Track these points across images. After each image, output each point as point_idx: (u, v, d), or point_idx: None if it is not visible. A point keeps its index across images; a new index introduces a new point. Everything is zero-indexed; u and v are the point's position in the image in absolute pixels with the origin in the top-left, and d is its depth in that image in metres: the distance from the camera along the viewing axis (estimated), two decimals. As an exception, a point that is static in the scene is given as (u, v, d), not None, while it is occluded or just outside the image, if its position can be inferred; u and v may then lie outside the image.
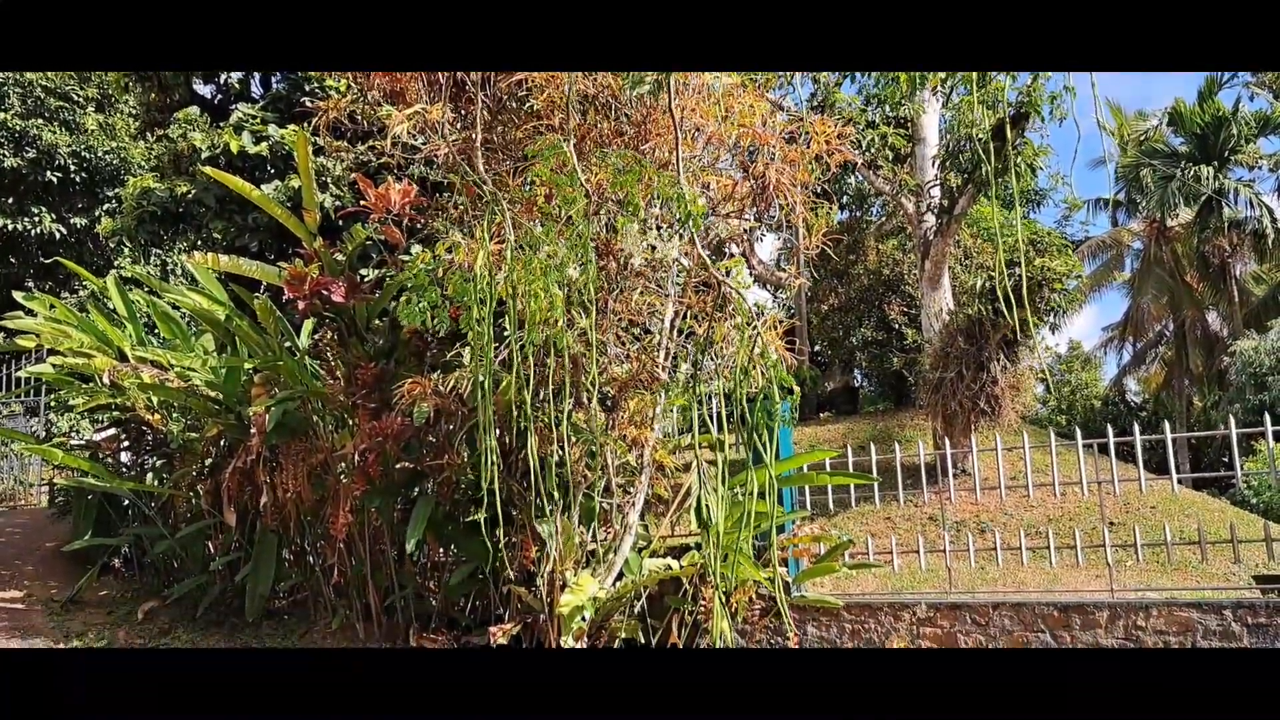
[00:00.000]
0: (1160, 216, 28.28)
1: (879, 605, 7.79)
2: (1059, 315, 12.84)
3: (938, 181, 12.95)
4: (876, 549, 9.27)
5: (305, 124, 7.96)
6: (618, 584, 7.41)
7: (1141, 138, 29.20)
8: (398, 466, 8.14)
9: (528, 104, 6.75)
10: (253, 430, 8.03)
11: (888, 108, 13.54)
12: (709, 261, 4.34)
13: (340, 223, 9.03)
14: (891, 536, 9.67)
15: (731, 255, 7.62)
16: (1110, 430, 7.86)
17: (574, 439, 6.97)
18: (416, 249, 7.32)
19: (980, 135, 10.47)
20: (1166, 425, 7.85)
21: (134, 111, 17.48)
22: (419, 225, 8.09)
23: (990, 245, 15.62)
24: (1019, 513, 11.12)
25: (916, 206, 13.59)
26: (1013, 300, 10.46)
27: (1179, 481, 11.79)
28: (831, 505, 9.04)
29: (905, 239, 17.83)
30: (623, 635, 7.68)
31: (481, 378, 4.21)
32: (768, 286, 18.67)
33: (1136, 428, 7.84)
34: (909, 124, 13.98)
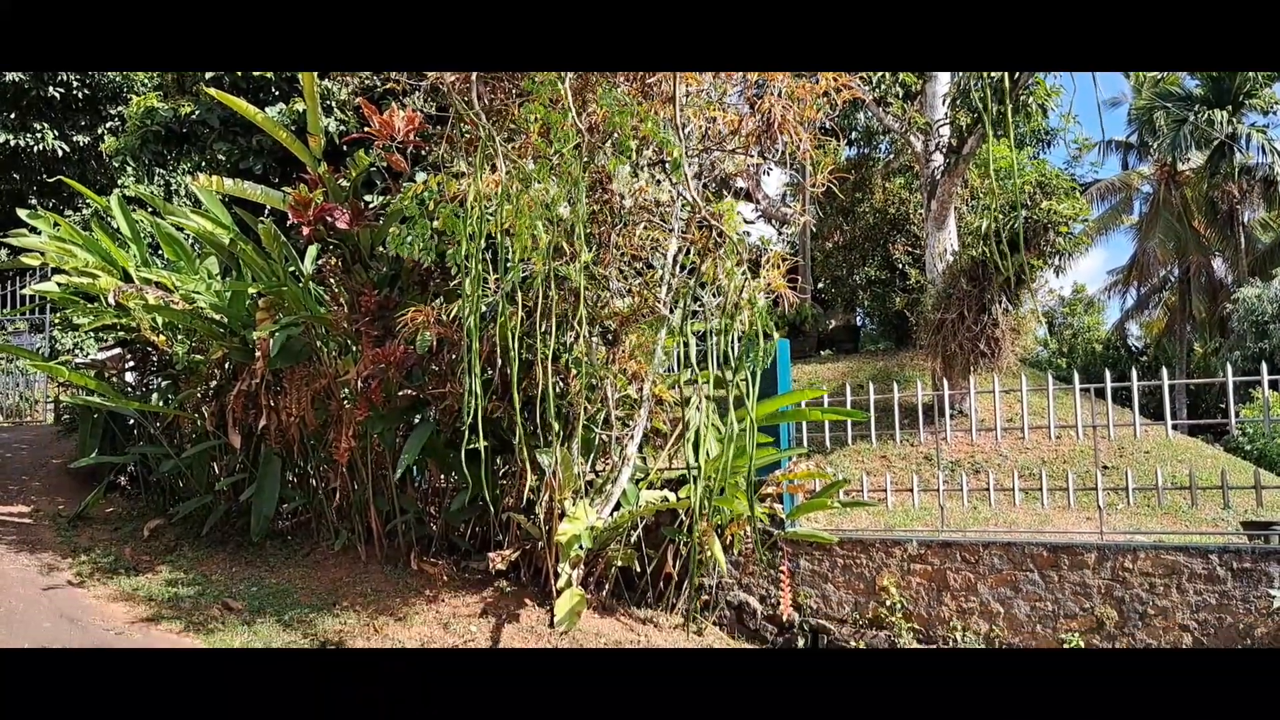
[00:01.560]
0: (1171, 160, 28.01)
1: (871, 541, 7.93)
2: (1064, 258, 12.80)
3: (947, 120, 12.81)
4: (871, 487, 9.40)
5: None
6: (615, 514, 7.55)
7: (1157, 79, 28.75)
8: (400, 393, 8.23)
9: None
10: (257, 354, 8.10)
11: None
12: (701, 203, 4.34)
13: (345, 148, 8.98)
14: (887, 475, 9.80)
15: (735, 191, 7.58)
16: (1109, 375, 7.92)
17: (574, 371, 7.04)
18: (422, 177, 7.29)
19: (992, 74, 10.32)
20: (1165, 372, 7.90)
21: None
22: (425, 153, 8.05)
23: (998, 186, 15.52)
24: (1014, 455, 11.24)
25: (925, 145, 13.48)
26: (1020, 243, 10.45)
27: (1174, 427, 11.89)
28: (828, 443, 9.15)
29: (912, 178, 17.70)
30: (619, 563, 7.85)
31: (469, 312, 4.22)
32: (773, 222, 18.59)
33: (1135, 373, 7.89)
34: (921, 60, 13.79)
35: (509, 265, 4.24)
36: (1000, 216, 11.22)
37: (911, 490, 8.61)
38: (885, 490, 8.96)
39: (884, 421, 9.44)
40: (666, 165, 5.78)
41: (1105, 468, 10.50)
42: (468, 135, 6.31)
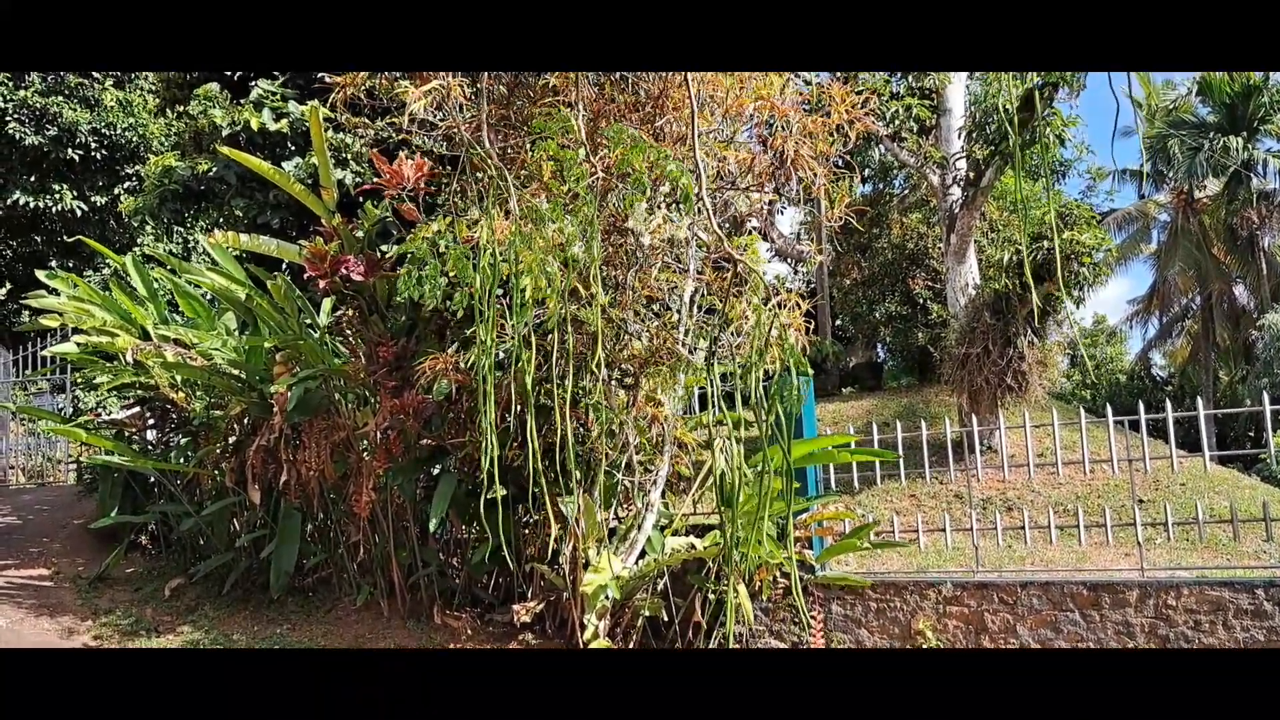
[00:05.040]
0: (1188, 188, 27.84)
1: (904, 584, 7.72)
2: (1086, 289, 12.65)
3: (964, 154, 12.73)
4: (902, 527, 9.19)
5: (323, 100, 7.90)
6: (640, 562, 7.39)
7: (1170, 107, 28.67)
8: (419, 443, 8.13)
9: (544, 79, 6.66)
10: (275, 408, 8.03)
11: (912, 78, 13.33)
12: (724, 237, 4.24)
13: (360, 199, 8.98)
14: (917, 514, 9.59)
15: (751, 231, 7.50)
16: (1141, 406, 7.73)
17: (594, 416, 6.93)
18: (437, 225, 7.26)
19: (1008, 106, 10.26)
20: (1200, 402, 7.71)
21: (153, 88, 17.44)
22: (438, 201, 8.03)
23: (1017, 218, 15.39)
24: (1047, 490, 10.99)
25: (941, 179, 13.39)
26: (1051, 273, 10.31)
27: (1210, 458, 11.63)
28: (856, 483, 8.96)
29: (930, 212, 17.61)
30: (646, 613, 7.66)
31: (483, 357, 4.13)
32: (788, 260, 18.52)
33: (1169, 404, 7.70)
34: (934, 95, 13.75)
35: (523, 307, 4.15)
36: (1022, 248, 11.08)
37: (943, 530, 8.40)
38: (916, 530, 8.75)
39: (912, 459, 9.25)
40: (680, 205, 5.71)
41: (1141, 501, 10.25)
42: (479, 181, 6.27)
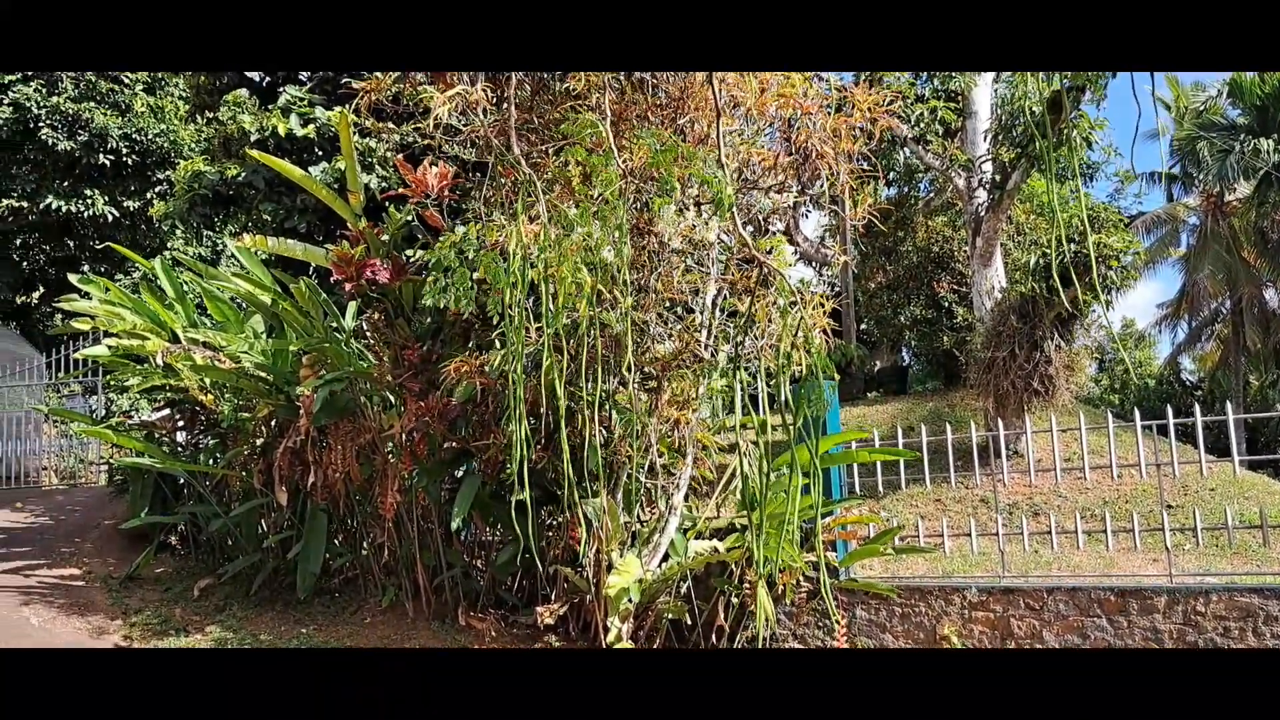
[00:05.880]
0: (1218, 191, 27.51)
1: (929, 589, 7.68)
2: (1114, 292, 12.53)
3: (989, 156, 12.67)
4: (927, 532, 9.15)
5: (349, 105, 7.98)
6: (663, 565, 7.39)
7: (1199, 109, 28.35)
8: (444, 446, 8.18)
9: (566, 84, 6.69)
10: (301, 411, 8.11)
11: (937, 81, 13.27)
12: (749, 239, 4.24)
13: (386, 204, 9.06)
14: (942, 519, 9.53)
15: (774, 233, 7.49)
16: (1170, 410, 7.66)
17: (617, 419, 6.95)
18: (461, 231, 7.31)
19: (1035, 108, 10.19)
20: (1229, 406, 7.63)
21: (183, 94, 17.67)
22: (462, 207, 8.08)
23: (1044, 221, 15.27)
24: (1074, 495, 10.90)
25: (967, 182, 13.32)
26: (1071, 277, 10.22)
27: (1240, 463, 11.50)
28: (880, 487, 8.92)
29: (955, 215, 17.52)
30: (669, 616, 7.67)
31: (511, 362, 4.15)
32: (812, 264, 18.47)
33: (1198, 409, 7.62)
34: (959, 97, 13.69)
35: (552, 312, 4.17)
36: (1048, 251, 11.00)
37: (969, 535, 8.35)
38: (941, 535, 8.70)
39: (937, 464, 9.20)
40: (703, 206, 5.71)
41: (1170, 507, 10.14)
42: (505, 187, 6.31)
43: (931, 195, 18.59)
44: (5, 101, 16.40)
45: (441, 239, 6.31)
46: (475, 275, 5.03)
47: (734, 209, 4.25)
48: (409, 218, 8.23)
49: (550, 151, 6.79)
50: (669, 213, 4.99)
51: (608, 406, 7.05)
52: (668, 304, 7.16)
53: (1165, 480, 9.44)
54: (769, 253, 4.73)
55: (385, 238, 8.33)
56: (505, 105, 5.53)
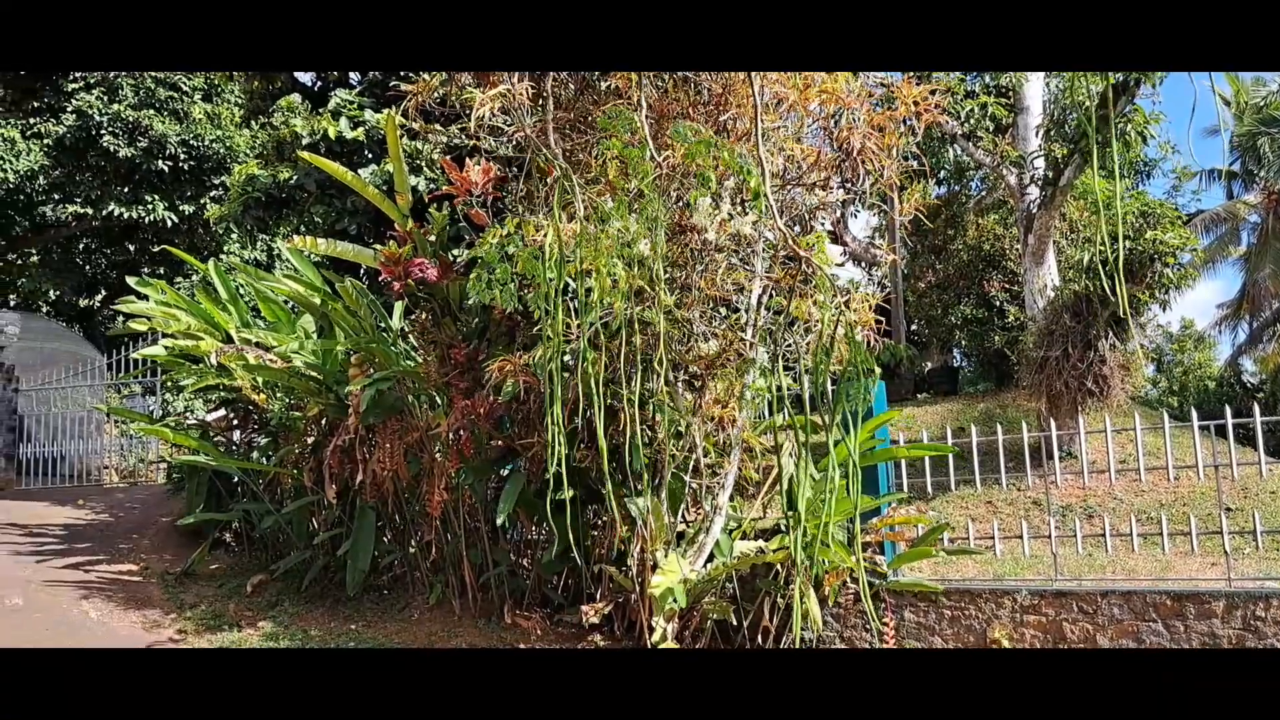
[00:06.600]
0: (1279, 188, 26.77)
1: (979, 591, 7.56)
2: (1171, 291, 12.26)
3: (1042, 152, 12.45)
4: (977, 534, 9.01)
5: (397, 108, 8.08)
6: (708, 566, 7.36)
7: (1260, 105, 27.60)
8: (490, 444, 8.24)
9: (609, 82, 6.70)
10: (350, 409, 8.22)
11: (988, 76, 13.08)
12: (790, 235, 4.21)
13: (430, 204, 9.15)
14: (993, 521, 9.39)
15: (816, 229, 7.43)
16: (1228, 411, 7.46)
17: (659, 417, 6.93)
18: (507, 228, 7.36)
19: (1088, 102, 10.00)
20: (1290, 406, 7.40)
21: (239, 100, 18.02)
22: (505, 203, 8.13)
23: (1098, 218, 14.97)
24: (1129, 497, 10.67)
25: (1019, 178, 13.11)
26: (1119, 276, 10.00)
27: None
28: (930, 488, 8.80)
29: (1006, 213, 17.25)
30: (714, 616, 7.64)
31: (550, 357, 4.15)
32: (861, 263, 18.30)
33: (1256, 408, 7.42)
34: (1010, 92, 13.47)
35: (589, 306, 4.16)
36: (1103, 249, 10.78)
37: (1020, 536, 8.20)
38: (992, 537, 8.57)
39: (988, 465, 9.06)
40: (740, 200, 5.67)
41: (1229, 510, 9.88)
42: (545, 185, 6.34)
43: (983, 194, 18.34)
44: (69, 109, 16.86)
45: (484, 233, 6.35)
46: (515, 269, 5.05)
47: (775, 205, 4.22)
48: (455, 217, 8.30)
49: (591, 150, 6.81)
50: (705, 205, 4.96)
51: (651, 405, 7.04)
52: (711, 302, 7.13)
53: (1224, 482, 9.22)
54: (810, 249, 4.68)
55: (432, 238, 8.41)
56: (544, 100, 5.54)
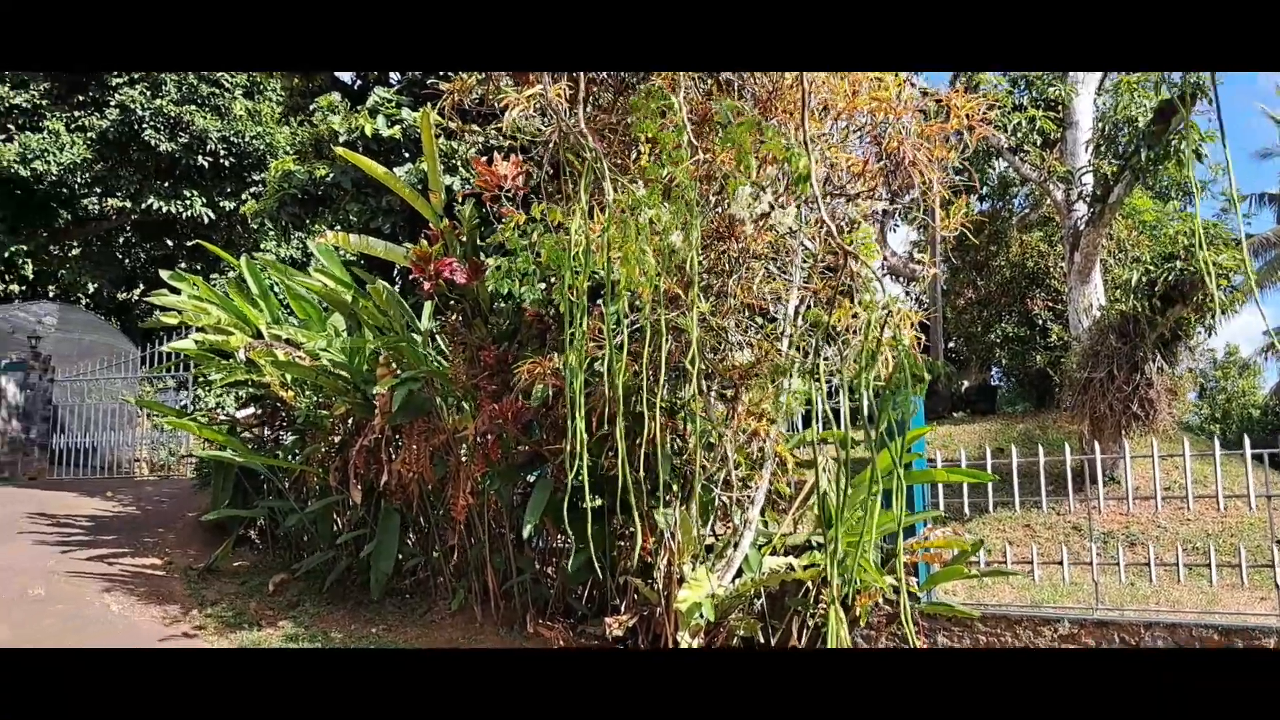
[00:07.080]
0: (1335, 212, 26.16)
1: (1017, 618, 7.30)
2: (1220, 315, 11.91)
3: (1090, 168, 12.14)
4: (1015, 558, 8.74)
5: (434, 106, 7.98)
6: (737, 581, 7.16)
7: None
8: (518, 449, 8.09)
9: (649, 84, 6.54)
10: (377, 409, 8.11)
11: (1036, 89, 12.80)
12: (835, 231, 4.02)
13: (459, 201, 9.05)
14: (1032, 545, 9.11)
15: (861, 225, 7.22)
16: (1283, 439, 7.17)
17: (690, 427, 6.76)
18: (535, 212, 7.23)
19: (1141, 118, 9.73)
20: (1351, 436, 7.09)
21: (279, 97, 18.09)
22: (537, 199, 7.99)
23: (1146, 237, 14.60)
24: (1174, 526, 10.34)
25: (1066, 195, 12.80)
26: (1175, 296, 9.70)
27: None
28: (966, 510, 8.54)
29: (1052, 230, 16.90)
30: (741, 633, 7.43)
31: (577, 360, 3.99)
32: (900, 278, 18.03)
33: (1315, 437, 7.11)
34: (1059, 106, 13.18)
35: (616, 295, 4.00)
36: (1152, 269, 10.46)
37: (1060, 563, 7.93)
38: (1031, 561, 8.29)
39: (1027, 487, 8.78)
40: (789, 189, 5.47)
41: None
42: (576, 180, 6.19)
43: (1027, 209, 18.00)
44: (112, 103, 17.00)
45: (504, 221, 6.20)
46: (539, 258, 4.88)
47: (805, 194, 4.03)
48: (486, 214, 8.18)
49: (628, 153, 6.65)
50: (744, 195, 4.77)
51: (681, 414, 6.87)
52: (747, 310, 6.95)
53: (1275, 513, 8.88)
54: (855, 246, 4.48)
55: (464, 237, 8.30)
56: (580, 101, 5.40)
